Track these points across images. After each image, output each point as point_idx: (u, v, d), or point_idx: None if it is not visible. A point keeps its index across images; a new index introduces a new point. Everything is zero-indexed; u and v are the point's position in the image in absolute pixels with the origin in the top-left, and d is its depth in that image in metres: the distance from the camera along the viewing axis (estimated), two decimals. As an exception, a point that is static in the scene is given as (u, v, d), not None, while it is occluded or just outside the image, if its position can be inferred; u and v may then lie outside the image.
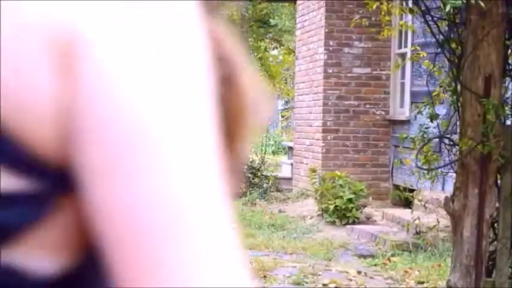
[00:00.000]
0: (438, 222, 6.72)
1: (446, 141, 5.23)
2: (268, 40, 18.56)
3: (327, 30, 10.69)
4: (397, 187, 9.89)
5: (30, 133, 0.56)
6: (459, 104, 4.83)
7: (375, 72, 10.73)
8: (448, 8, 4.61)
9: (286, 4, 15.49)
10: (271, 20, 17.55)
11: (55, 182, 0.58)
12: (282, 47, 18.74)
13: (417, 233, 7.93)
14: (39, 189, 0.57)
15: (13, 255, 0.58)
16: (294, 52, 13.95)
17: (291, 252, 7.42)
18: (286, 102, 22.40)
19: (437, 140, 5.41)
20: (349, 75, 10.76)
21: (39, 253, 0.60)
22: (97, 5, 0.55)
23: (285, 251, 7.53)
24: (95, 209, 0.57)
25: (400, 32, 9.35)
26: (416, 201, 7.97)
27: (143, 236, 0.56)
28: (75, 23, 0.55)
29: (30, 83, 0.55)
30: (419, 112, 5.29)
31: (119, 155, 0.55)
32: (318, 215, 9.67)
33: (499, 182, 4.81)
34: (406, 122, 9.87)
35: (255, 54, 17.35)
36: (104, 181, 0.56)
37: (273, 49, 19.20)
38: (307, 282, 6.46)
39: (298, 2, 12.26)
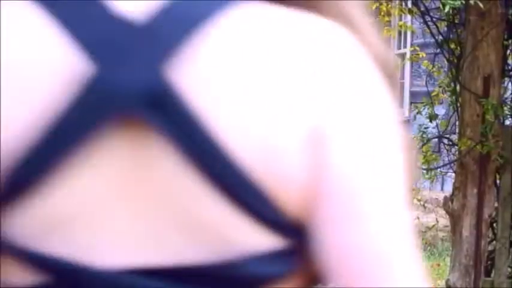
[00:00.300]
0: (437, 221, 6.74)
1: (446, 141, 5.25)
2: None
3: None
4: (396, 187, 9.89)
5: (284, 198, 0.73)
6: (458, 104, 4.85)
7: (374, 72, 10.74)
8: (447, 8, 4.62)
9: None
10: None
11: (302, 240, 0.74)
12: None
13: (416, 232, 7.94)
14: (290, 246, 0.74)
15: None
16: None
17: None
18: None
19: (436, 140, 5.43)
20: (348, 75, 10.75)
21: None
22: (340, 112, 0.74)
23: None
24: (328, 251, 0.74)
25: (400, 33, 9.37)
26: (415, 201, 7.99)
27: (367, 274, 0.74)
28: (323, 124, 0.73)
29: (294, 166, 0.73)
30: (419, 112, 5.31)
31: (348, 212, 0.74)
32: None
33: (498, 182, 4.83)
34: (405, 122, 9.88)
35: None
36: (336, 231, 0.74)
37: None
38: (306, 282, 6.46)
39: (297, 3, 12.26)
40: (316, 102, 0.73)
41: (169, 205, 0.72)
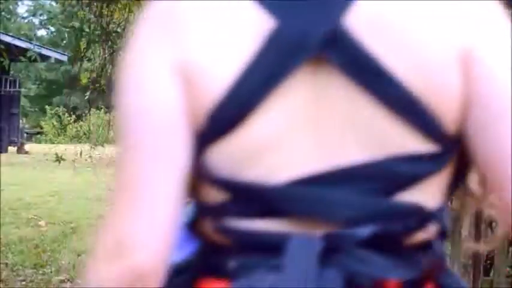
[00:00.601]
0: (437, 221, 6.73)
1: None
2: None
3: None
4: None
5: (441, 109, 0.91)
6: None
7: (374, 73, 10.75)
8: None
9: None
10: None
11: (450, 145, 0.93)
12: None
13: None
14: (440, 150, 0.92)
15: (419, 196, 0.93)
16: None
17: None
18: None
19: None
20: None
21: (432, 194, 0.95)
22: (485, 34, 0.93)
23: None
24: (487, 150, 0.92)
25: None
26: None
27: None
28: (473, 44, 0.92)
29: (448, 80, 0.91)
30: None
31: (496, 116, 0.91)
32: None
33: (496, 181, 4.83)
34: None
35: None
36: (485, 132, 0.91)
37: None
38: (306, 282, 6.46)
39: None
40: (464, 27, 0.92)
41: (344, 121, 0.91)
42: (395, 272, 0.91)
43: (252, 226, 0.92)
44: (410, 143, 0.91)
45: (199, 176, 0.94)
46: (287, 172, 0.91)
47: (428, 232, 0.96)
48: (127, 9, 5.49)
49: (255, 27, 0.91)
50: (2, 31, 17.99)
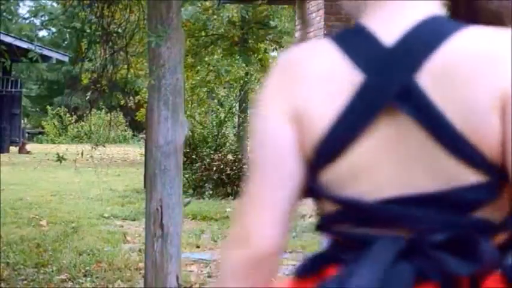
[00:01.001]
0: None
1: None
2: (268, 42, 18.57)
3: (325, 31, 10.76)
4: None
5: (486, 146, 1.17)
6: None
7: (374, 73, 10.74)
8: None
9: (286, 6, 15.53)
10: (271, 22, 17.58)
11: (498, 175, 1.17)
12: (281, 48, 18.76)
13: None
14: (490, 179, 1.17)
15: (484, 213, 1.19)
16: (293, 53, 13.87)
17: (290, 250, 7.42)
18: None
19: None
20: (348, 76, 10.75)
21: (496, 210, 1.20)
22: None
23: (284, 249, 7.54)
24: None
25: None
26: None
27: None
28: (508, 88, 1.14)
29: (491, 124, 1.15)
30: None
31: None
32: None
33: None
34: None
35: (255, 55, 17.39)
36: None
37: (273, 50, 19.19)
38: (306, 281, 6.47)
39: (297, 4, 12.31)
40: (503, 72, 1.15)
41: (414, 156, 1.19)
42: (463, 269, 1.15)
43: (354, 231, 1.25)
44: (465, 175, 1.17)
45: (318, 193, 1.28)
46: (375, 193, 1.23)
47: (496, 239, 1.20)
48: (128, 10, 5.52)
49: (347, 80, 1.22)
50: (3, 32, 18.01)
